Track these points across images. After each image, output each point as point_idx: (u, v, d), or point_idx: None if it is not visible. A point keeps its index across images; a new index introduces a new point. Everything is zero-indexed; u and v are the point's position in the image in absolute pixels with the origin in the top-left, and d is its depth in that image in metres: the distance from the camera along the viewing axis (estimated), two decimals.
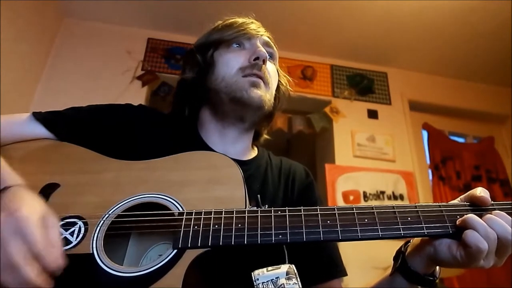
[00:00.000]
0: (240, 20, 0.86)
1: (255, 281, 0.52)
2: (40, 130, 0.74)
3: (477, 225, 0.53)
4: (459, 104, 3.06)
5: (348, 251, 2.31)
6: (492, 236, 0.53)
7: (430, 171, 2.89)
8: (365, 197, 2.50)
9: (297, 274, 0.52)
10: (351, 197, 2.49)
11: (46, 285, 0.47)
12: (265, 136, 0.95)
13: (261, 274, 0.53)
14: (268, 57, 0.81)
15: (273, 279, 0.52)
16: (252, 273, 0.53)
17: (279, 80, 0.90)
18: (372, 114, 2.86)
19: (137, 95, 2.56)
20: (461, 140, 3.14)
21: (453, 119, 3.12)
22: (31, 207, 0.50)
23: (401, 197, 2.54)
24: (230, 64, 0.80)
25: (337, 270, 0.78)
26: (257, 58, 0.79)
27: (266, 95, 0.80)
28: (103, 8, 2.66)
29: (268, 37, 0.87)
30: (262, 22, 0.88)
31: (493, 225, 0.53)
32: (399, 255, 0.63)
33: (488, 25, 2.58)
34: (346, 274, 0.79)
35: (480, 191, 0.58)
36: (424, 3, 2.44)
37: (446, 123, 3.09)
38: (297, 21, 2.67)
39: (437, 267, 0.62)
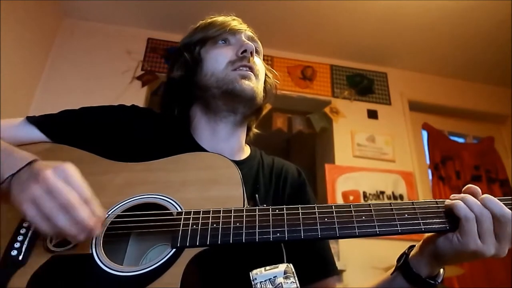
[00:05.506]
0: (220, 18, 0.87)
1: (253, 281, 0.52)
2: (34, 133, 0.75)
3: (465, 196, 0.58)
4: (459, 104, 3.06)
5: (348, 251, 2.32)
6: (481, 208, 0.56)
7: (430, 171, 2.89)
8: (365, 197, 2.51)
9: (294, 273, 0.52)
10: (351, 197, 2.49)
11: (97, 227, 0.53)
12: (255, 130, 0.95)
13: (259, 274, 0.53)
14: (254, 49, 0.82)
15: (271, 278, 0.52)
16: (250, 272, 0.53)
17: (265, 74, 0.90)
18: (372, 114, 2.86)
19: (136, 95, 2.57)
20: (461, 140, 3.14)
21: (453, 119, 3.12)
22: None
23: (401, 197, 2.55)
24: (218, 59, 0.81)
25: (331, 269, 0.80)
26: (244, 51, 0.80)
27: (257, 86, 0.81)
28: (103, 8, 2.66)
29: (251, 32, 0.88)
30: (261, 22, 0.88)
31: (487, 203, 0.56)
32: (402, 256, 0.64)
33: (488, 25, 2.58)
34: (338, 273, 0.81)
35: (471, 187, 0.61)
36: (424, 3, 2.45)
37: (446, 123, 3.09)
38: (297, 21, 2.67)
39: (441, 270, 0.63)
